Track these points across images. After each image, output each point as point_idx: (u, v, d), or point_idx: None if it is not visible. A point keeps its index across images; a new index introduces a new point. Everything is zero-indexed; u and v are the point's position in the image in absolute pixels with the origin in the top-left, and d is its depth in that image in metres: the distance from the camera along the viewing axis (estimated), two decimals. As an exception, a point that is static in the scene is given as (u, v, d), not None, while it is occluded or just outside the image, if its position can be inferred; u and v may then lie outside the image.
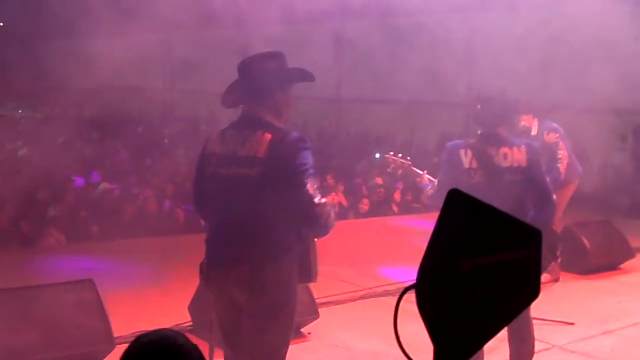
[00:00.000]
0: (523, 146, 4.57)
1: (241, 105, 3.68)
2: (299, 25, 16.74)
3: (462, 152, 4.53)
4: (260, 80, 3.53)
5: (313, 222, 3.42)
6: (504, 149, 4.51)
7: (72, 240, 9.23)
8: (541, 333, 5.89)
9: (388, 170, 5.61)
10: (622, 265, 8.40)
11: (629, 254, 8.47)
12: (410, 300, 1.68)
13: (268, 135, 3.45)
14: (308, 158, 3.44)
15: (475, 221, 1.46)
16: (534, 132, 7.41)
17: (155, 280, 7.23)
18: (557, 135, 7.38)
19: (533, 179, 4.53)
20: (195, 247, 4.29)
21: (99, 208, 10.36)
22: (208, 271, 3.59)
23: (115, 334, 5.18)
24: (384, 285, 7.12)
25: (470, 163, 4.49)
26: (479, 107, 4.62)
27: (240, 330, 3.53)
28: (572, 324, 6.31)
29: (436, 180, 4.77)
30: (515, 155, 4.51)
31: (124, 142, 15.38)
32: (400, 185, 12.69)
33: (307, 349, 5.68)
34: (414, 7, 10.15)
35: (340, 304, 6.82)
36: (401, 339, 2.33)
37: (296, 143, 3.45)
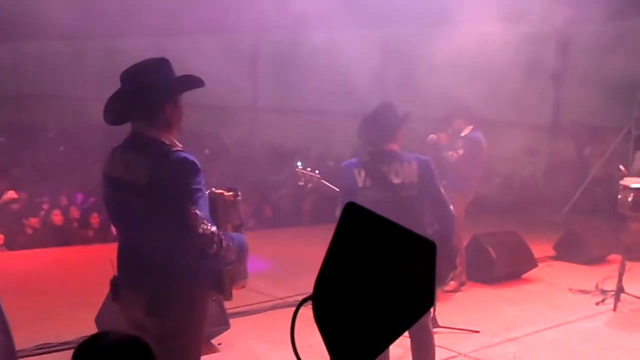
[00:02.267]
0: (413, 161, 4.60)
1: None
2: (216, 36, 16.71)
3: (355, 171, 4.55)
4: (146, 93, 3.27)
5: (198, 253, 3.17)
6: (395, 166, 4.55)
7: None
8: (447, 341, 6.07)
9: (299, 183, 5.60)
10: (525, 275, 8.69)
11: (533, 263, 8.79)
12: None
13: (150, 160, 3.21)
14: (193, 182, 3.17)
15: (371, 234, 1.50)
16: (463, 133, 7.75)
17: (61, 291, 7.04)
18: (469, 144, 7.68)
19: (427, 193, 4.61)
20: (102, 258, 4.21)
21: (3, 217, 10.03)
22: (117, 289, 3.46)
23: (18, 347, 5.02)
24: (295, 296, 7.15)
25: (364, 182, 4.52)
26: (361, 124, 4.64)
27: None
28: (477, 331, 6.49)
29: (339, 203, 4.78)
30: (406, 171, 4.55)
31: (32, 150, 14.94)
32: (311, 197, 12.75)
33: (217, 360, 5.65)
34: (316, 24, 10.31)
35: (252, 314, 6.81)
36: (310, 347, 2.36)
37: (179, 166, 3.18)
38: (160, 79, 3.31)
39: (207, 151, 15.66)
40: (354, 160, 4.69)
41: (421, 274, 1.53)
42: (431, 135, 7.57)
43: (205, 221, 3.13)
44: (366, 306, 1.50)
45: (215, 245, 3.14)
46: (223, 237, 3.20)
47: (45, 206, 10.59)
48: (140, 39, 15.29)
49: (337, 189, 5.14)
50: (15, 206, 10.53)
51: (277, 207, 12.47)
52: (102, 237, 10.05)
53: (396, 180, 4.53)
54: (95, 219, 10.37)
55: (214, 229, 3.16)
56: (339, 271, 1.49)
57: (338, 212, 4.70)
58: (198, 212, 3.12)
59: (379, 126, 4.60)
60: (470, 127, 7.81)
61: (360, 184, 4.52)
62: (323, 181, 5.30)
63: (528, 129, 13.84)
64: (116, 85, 3.40)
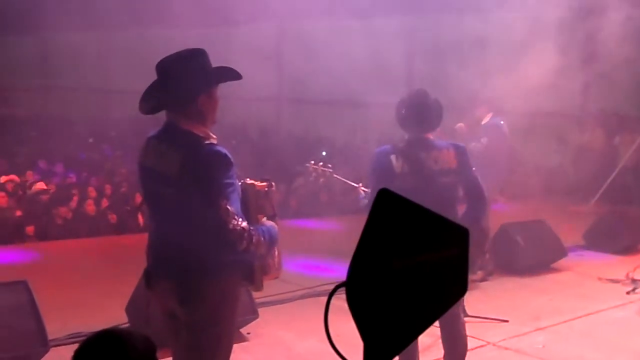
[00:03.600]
0: (451, 148, 4.61)
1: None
2: (240, 26, 16.72)
3: (392, 157, 4.50)
4: (182, 82, 3.25)
5: (228, 248, 3.16)
6: (435, 153, 4.55)
7: (6, 241, 9.02)
8: (476, 330, 6.04)
9: (310, 179, 5.56)
10: (554, 264, 8.62)
11: (562, 253, 8.72)
12: (345, 299, 1.72)
13: (182, 153, 3.19)
14: (224, 176, 3.15)
15: (404, 221, 1.50)
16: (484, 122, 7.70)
17: (91, 281, 7.12)
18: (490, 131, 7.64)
19: (464, 179, 4.61)
20: (131, 247, 4.25)
21: (33, 208, 10.16)
22: (149, 278, 3.47)
23: (50, 337, 5.10)
24: (323, 285, 7.16)
25: (402, 168, 4.49)
26: (403, 111, 4.60)
27: (178, 339, 3.45)
28: (506, 321, 6.46)
29: (369, 190, 4.71)
30: (445, 158, 4.55)
31: (59, 143, 15.08)
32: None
33: (246, 349, 5.68)
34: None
35: (280, 304, 6.84)
36: (339, 336, 2.37)
37: (212, 160, 3.17)
38: (195, 70, 3.28)
39: (233, 142, 15.70)
40: (387, 147, 4.63)
41: (454, 260, 1.53)
42: (459, 124, 7.53)
43: (236, 216, 3.12)
44: (399, 293, 1.50)
45: (245, 241, 3.13)
46: (253, 232, 3.18)
47: (75, 197, 10.70)
48: (169, 30, 15.33)
49: (351, 183, 5.13)
50: (44, 197, 10.65)
51: (301, 197, 12.48)
52: (135, 227, 10.15)
53: (435, 167, 4.53)
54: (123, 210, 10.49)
55: (244, 224, 3.14)
56: (372, 258, 1.49)
57: (367, 199, 4.71)
58: (229, 207, 3.11)
59: (422, 114, 4.58)
60: (490, 115, 7.73)
61: (397, 170, 4.48)
62: (336, 176, 5.27)
63: (557, 117, 13.70)
64: (144, 76, 3.41)
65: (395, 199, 1.49)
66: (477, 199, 4.66)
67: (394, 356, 1.54)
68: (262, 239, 3.24)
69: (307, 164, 5.44)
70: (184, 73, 3.26)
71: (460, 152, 4.62)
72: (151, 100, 3.33)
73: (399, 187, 4.42)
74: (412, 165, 4.50)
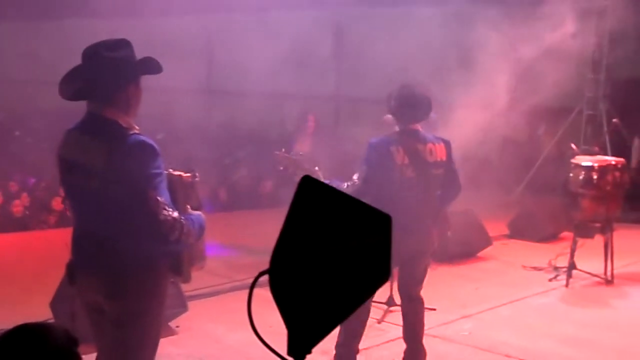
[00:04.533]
0: (441, 141, 4.87)
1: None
2: (172, 18, 16.49)
3: (392, 148, 4.66)
4: (112, 70, 3.18)
5: (160, 239, 3.12)
6: (430, 145, 4.78)
7: None
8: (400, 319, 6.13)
9: (279, 167, 5.54)
10: (480, 253, 8.82)
11: (487, 241, 8.92)
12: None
13: (107, 143, 3.13)
14: (152, 166, 3.10)
15: (326, 207, 1.51)
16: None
17: (12, 277, 6.93)
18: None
19: (449, 172, 4.87)
20: (52, 242, 4.16)
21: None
22: (73, 273, 3.40)
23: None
24: (253, 278, 7.14)
25: (403, 159, 4.66)
26: (392, 103, 4.77)
27: (103, 333, 3.39)
28: (433, 309, 6.57)
29: (356, 177, 4.73)
30: (437, 151, 4.80)
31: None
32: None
33: (175, 342, 5.63)
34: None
35: (210, 296, 6.80)
36: (270, 327, 2.37)
37: (138, 150, 3.11)
38: (125, 58, 3.24)
39: (160, 136, 15.43)
40: (384, 137, 4.80)
41: (376, 247, 1.55)
42: (387, 115, 7.60)
43: (166, 207, 3.09)
44: (322, 280, 1.51)
45: (177, 232, 3.11)
46: (184, 222, 3.16)
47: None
48: (95, 20, 14.98)
49: (319, 172, 5.15)
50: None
51: (233, 189, 12.40)
52: (60, 222, 9.91)
53: (430, 159, 4.76)
54: (56, 203, 10.23)
55: (175, 214, 3.12)
56: (295, 245, 1.49)
57: (351, 189, 4.65)
58: (159, 197, 3.08)
59: (416, 105, 4.75)
60: None
61: (398, 161, 4.65)
62: (306, 166, 5.27)
63: (482, 110, 13.95)
64: (69, 67, 3.31)
65: (317, 186, 1.50)
66: (453, 188, 4.96)
67: (316, 343, 1.56)
68: (192, 227, 3.22)
69: (277, 152, 5.48)
70: (114, 61, 3.20)
71: (449, 146, 4.89)
72: (75, 84, 3.24)
73: (399, 178, 4.65)
74: (412, 157, 4.69)
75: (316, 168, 5.30)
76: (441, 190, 4.88)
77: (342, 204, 1.52)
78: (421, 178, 4.70)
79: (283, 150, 5.61)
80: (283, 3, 12.69)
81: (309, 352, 1.55)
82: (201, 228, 3.32)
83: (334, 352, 4.96)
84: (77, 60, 3.36)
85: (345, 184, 4.76)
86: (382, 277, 1.58)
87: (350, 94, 16.53)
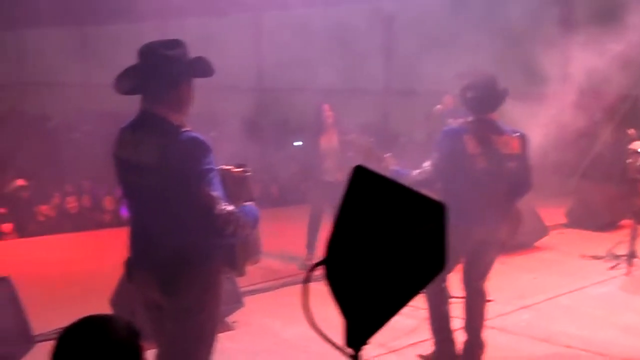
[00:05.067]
0: (517, 134, 4.73)
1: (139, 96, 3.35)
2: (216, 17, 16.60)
3: (465, 137, 4.57)
4: (164, 70, 3.24)
5: (216, 233, 3.15)
6: (505, 137, 4.66)
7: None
8: (461, 311, 6.07)
9: (349, 153, 5.45)
10: (537, 243, 8.68)
11: (544, 231, 8.78)
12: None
13: (161, 140, 3.18)
14: (204, 162, 3.13)
15: (380, 196, 1.50)
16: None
17: (75, 276, 7.08)
18: None
19: (522, 166, 4.73)
20: (116, 242, 4.22)
21: (12, 205, 10.08)
22: (131, 270, 3.47)
23: (36, 332, 5.07)
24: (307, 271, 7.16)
25: (475, 149, 4.56)
26: (469, 92, 4.67)
27: (162, 329, 3.43)
28: (491, 300, 6.48)
29: (426, 165, 4.68)
30: (512, 143, 4.67)
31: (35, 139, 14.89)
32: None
33: (232, 338, 5.67)
34: None
35: (265, 292, 6.84)
36: (325, 321, 2.36)
37: (190, 147, 3.15)
38: (180, 57, 3.30)
39: (212, 134, 15.57)
40: (457, 126, 4.72)
41: (431, 236, 1.52)
42: (437, 106, 7.52)
43: (221, 201, 3.12)
44: (377, 269, 1.49)
45: (232, 225, 3.13)
46: (239, 215, 3.18)
47: (57, 194, 10.62)
48: (142, 23, 15.20)
49: (390, 160, 4.95)
50: (24, 194, 10.57)
51: (285, 185, 12.45)
52: (116, 221, 10.10)
53: (504, 151, 4.64)
54: (109, 203, 10.43)
55: (230, 208, 3.14)
56: (349, 235, 1.48)
57: (421, 176, 4.57)
58: (213, 192, 3.11)
59: (490, 95, 4.66)
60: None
61: (470, 151, 4.55)
62: (377, 152, 5.07)
63: (537, 98, 13.71)
64: (119, 70, 3.36)
65: (371, 175, 1.48)
66: (525, 185, 4.81)
67: (373, 334, 1.54)
68: (247, 220, 3.24)
69: (349, 137, 5.45)
70: (169, 59, 3.25)
71: (524, 140, 4.75)
72: (132, 79, 3.30)
73: (470, 168, 4.56)
74: (485, 148, 4.58)
75: (387, 155, 5.02)
76: (512, 184, 4.72)
77: (395, 193, 1.50)
78: (493, 169, 4.57)
79: (354, 135, 5.47)
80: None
81: (366, 343, 1.54)
82: (255, 219, 3.33)
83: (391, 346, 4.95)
84: (126, 62, 3.43)
85: (416, 172, 4.69)
86: (438, 266, 1.55)
87: (399, 86, 16.40)
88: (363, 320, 1.51)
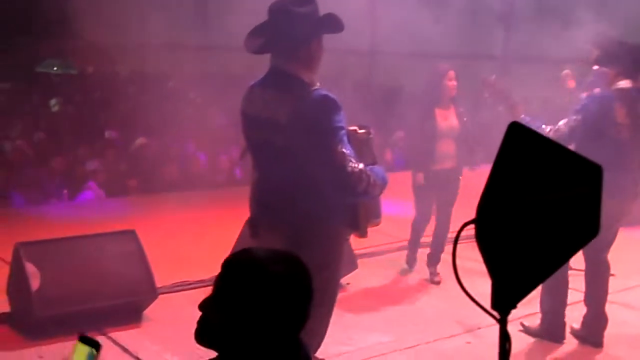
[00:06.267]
0: None
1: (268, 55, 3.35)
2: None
3: (617, 105, 4.40)
4: (295, 27, 3.21)
5: (347, 191, 3.15)
6: None
7: (112, 194, 9.35)
8: (580, 284, 5.88)
9: (485, 95, 5.12)
10: (662, 217, 8.26)
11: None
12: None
13: (293, 97, 3.18)
14: (336, 120, 3.13)
15: (535, 155, 1.44)
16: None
17: (197, 232, 7.29)
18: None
19: None
20: (237, 199, 4.30)
21: (136, 162, 10.47)
22: (255, 227, 3.51)
23: (158, 285, 5.27)
24: (422, 237, 7.11)
25: (624, 119, 4.41)
26: (623, 58, 4.44)
27: None
28: (612, 275, 6.25)
29: (562, 123, 4.53)
30: None
31: (153, 98, 15.35)
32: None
33: (346, 299, 5.72)
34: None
35: (377, 255, 6.85)
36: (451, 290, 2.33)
37: (322, 104, 3.15)
38: (310, 14, 3.27)
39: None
40: (611, 92, 4.49)
41: (586, 199, 1.46)
42: (565, 71, 7.16)
43: (352, 159, 3.12)
44: (529, 231, 1.45)
45: (364, 183, 3.13)
46: (370, 173, 3.18)
47: (178, 151, 10.96)
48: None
49: (520, 107, 4.75)
50: (147, 151, 10.96)
51: (396, 150, 12.40)
52: (230, 181, 10.32)
53: None
54: (224, 163, 10.67)
55: (361, 166, 3.14)
56: (501, 193, 1.44)
57: (554, 134, 4.36)
58: (345, 150, 3.11)
59: None
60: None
61: (619, 120, 4.40)
62: (512, 98, 4.76)
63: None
64: (241, 31, 3.39)
65: (527, 133, 1.43)
66: None
67: (522, 298, 1.50)
68: (377, 179, 3.24)
69: (486, 79, 4.90)
70: (300, 16, 3.24)
71: None
72: (262, 38, 3.30)
73: (612, 136, 4.38)
74: (632, 119, 4.41)
75: (517, 102, 4.82)
76: None
77: (551, 153, 1.45)
78: (636, 142, 4.40)
79: (494, 77, 5.10)
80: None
81: (514, 306, 1.50)
82: (384, 181, 3.33)
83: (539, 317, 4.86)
84: (247, 24, 3.44)
85: (549, 128, 4.53)
86: (591, 231, 1.49)
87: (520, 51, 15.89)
88: (512, 282, 1.47)
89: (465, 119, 6.11)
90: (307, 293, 1.89)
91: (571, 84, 7.23)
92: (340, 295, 5.57)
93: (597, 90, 4.51)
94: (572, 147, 4.37)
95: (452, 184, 6.09)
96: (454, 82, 6.00)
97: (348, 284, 6.00)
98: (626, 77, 4.45)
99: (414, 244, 6.55)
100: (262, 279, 1.82)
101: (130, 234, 5.31)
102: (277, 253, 1.92)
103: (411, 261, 6.54)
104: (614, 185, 4.34)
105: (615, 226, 4.72)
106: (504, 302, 1.48)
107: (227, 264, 1.89)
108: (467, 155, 6.14)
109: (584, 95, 7.16)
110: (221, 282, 1.87)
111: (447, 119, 6.06)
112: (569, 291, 4.99)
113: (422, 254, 6.58)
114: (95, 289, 4.94)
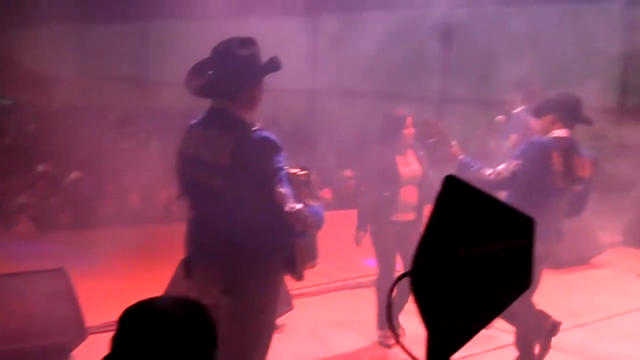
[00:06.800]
0: (590, 157, 4.60)
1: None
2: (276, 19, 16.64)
3: (554, 154, 4.45)
4: (238, 70, 3.25)
5: (287, 231, 3.18)
6: (583, 159, 4.54)
7: (43, 229, 9.10)
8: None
9: (429, 140, 4.98)
10: (593, 260, 8.49)
11: (599, 249, 8.58)
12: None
13: (233, 138, 3.20)
14: (276, 161, 3.17)
15: (470, 208, 1.45)
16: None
17: (129, 270, 7.14)
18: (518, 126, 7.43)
19: (585, 190, 4.62)
20: (173, 237, 4.23)
21: (69, 197, 10.22)
22: (190, 268, 3.47)
23: (88, 324, 5.12)
24: (357, 277, 7.12)
25: (559, 167, 4.44)
26: (562, 108, 4.53)
27: (219, 329, 3.42)
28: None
29: (502, 168, 4.53)
30: (586, 167, 4.55)
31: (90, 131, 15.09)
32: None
33: (281, 340, 5.64)
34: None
35: (314, 295, 6.81)
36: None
37: (262, 146, 3.19)
38: (254, 57, 3.31)
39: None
40: (549, 140, 4.53)
41: (519, 251, 1.48)
42: (499, 117, 7.36)
43: (291, 200, 3.14)
44: (463, 284, 1.45)
45: (301, 222, 3.16)
46: (307, 213, 3.20)
47: (111, 188, 10.76)
48: (200, 21, 15.32)
49: (455, 144, 4.76)
50: (81, 186, 10.71)
51: (337, 190, 12.40)
52: (167, 218, 10.15)
53: (579, 174, 4.52)
54: (161, 199, 10.52)
55: (299, 206, 3.16)
56: (437, 247, 1.44)
57: (493, 177, 4.42)
58: (283, 190, 3.13)
59: (580, 111, 4.54)
60: (522, 107, 7.39)
61: (555, 168, 4.43)
62: (450, 139, 4.77)
63: (592, 112, 13.44)
64: (180, 67, 3.38)
65: (462, 186, 1.44)
66: (580, 208, 4.74)
67: (456, 350, 1.50)
68: (314, 219, 3.26)
69: (426, 120, 4.93)
70: (245, 59, 3.28)
71: (595, 164, 4.64)
72: (203, 77, 3.32)
73: (549, 185, 4.41)
74: (567, 167, 4.47)
75: (454, 143, 4.80)
76: (570, 205, 4.64)
77: (486, 205, 1.46)
78: (567, 190, 4.48)
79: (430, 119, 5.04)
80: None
81: (448, 358, 1.50)
82: (321, 220, 3.35)
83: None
84: (186, 60, 3.44)
85: (488, 171, 4.56)
86: (523, 284, 1.50)
87: (456, 95, 16.24)
88: (446, 335, 1.46)
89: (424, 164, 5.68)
90: (210, 340, 1.81)
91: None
92: (274, 337, 5.55)
93: (536, 137, 4.60)
94: (511, 192, 4.46)
95: (413, 240, 5.89)
96: (412, 129, 5.56)
97: (283, 324, 5.93)
98: (563, 125, 4.55)
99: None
100: (162, 328, 1.77)
101: (60, 272, 5.16)
102: (178, 301, 1.85)
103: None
104: (544, 229, 4.45)
105: (540, 269, 4.80)
106: (438, 354, 1.47)
107: (125, 316, 1.84)
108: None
109: (509, 139, 7.34)
110: (120, 335, 1.80)
111: (408, 165, 5.63)
112: (499, 333, 5.03)
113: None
114: (21, 328, 4.77)
